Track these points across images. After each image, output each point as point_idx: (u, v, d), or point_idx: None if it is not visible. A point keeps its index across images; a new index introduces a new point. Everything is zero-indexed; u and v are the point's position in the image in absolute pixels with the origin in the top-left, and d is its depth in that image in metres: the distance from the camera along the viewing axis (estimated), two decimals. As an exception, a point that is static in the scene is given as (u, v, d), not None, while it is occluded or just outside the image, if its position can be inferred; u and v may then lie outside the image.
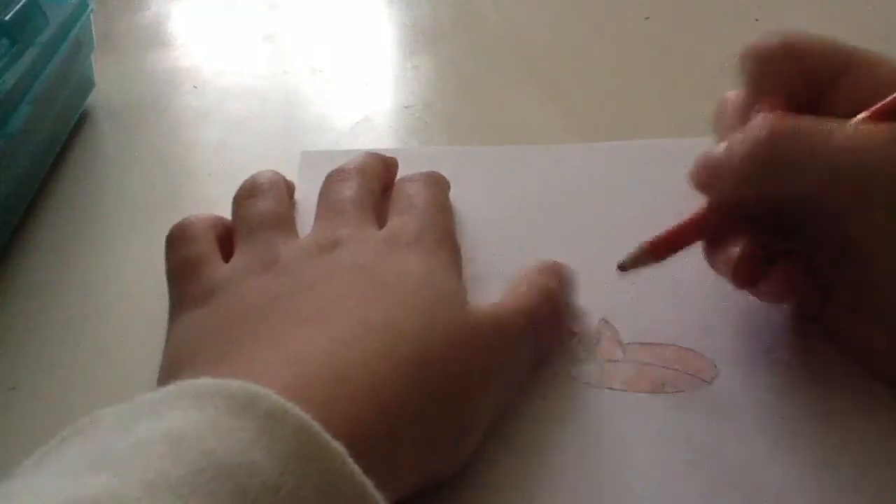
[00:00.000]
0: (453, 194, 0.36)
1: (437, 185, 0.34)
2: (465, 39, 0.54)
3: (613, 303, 0.32)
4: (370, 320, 0.24)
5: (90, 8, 0.44)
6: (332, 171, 0.34)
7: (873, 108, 0.27)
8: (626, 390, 0.28)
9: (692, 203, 0.30)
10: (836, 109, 0.28)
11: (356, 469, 0.18)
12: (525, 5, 0.58)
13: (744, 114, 0.30)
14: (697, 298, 0.32)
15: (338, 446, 0.18)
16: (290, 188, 0.35)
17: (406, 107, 0.46)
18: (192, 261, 0.29)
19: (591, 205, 0.37)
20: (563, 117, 0.44)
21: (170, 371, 0.25)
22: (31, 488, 0.17)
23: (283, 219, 0.31)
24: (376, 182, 0.33)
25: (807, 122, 0.27)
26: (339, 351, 0.23)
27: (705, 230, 0.30)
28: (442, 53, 0.52)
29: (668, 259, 0.30)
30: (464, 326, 0.25)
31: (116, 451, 0.18)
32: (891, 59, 0.29)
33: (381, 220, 0.31)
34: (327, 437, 0.18)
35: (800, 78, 0.29)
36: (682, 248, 0.30)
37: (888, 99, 0.27)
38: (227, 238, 0.31)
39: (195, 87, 0.49)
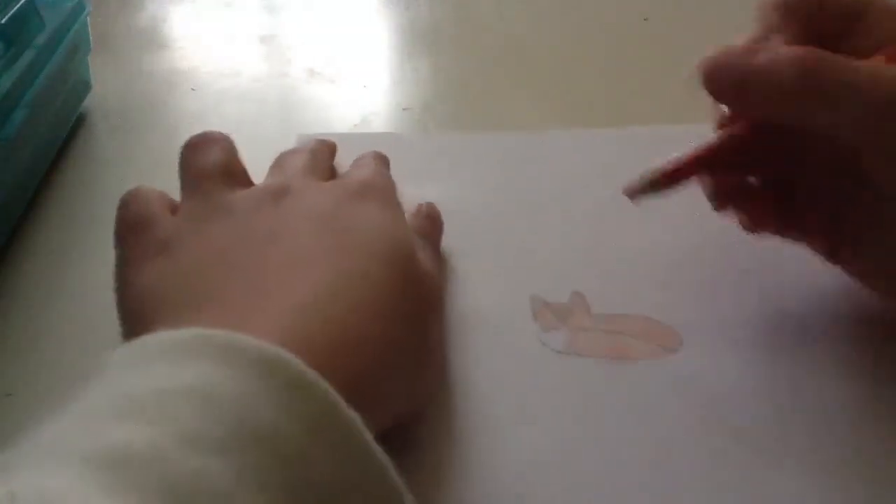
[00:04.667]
0: (444, 181, 0.38)
1: (381, 158, 0.35)
2: (463, 41, 0.54)
3: (587, 277, 0.33)
4: (349, 271, 0.25)
5: (87, 10, 0.44)
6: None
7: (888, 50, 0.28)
8: (592, 357, 0.30)
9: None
10: (854, 52, 0.28)
11: (369, 436, 0.19)
12: (524, 7, 0.58)
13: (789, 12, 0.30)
14: (667, 272, 0.33)
15: (353, 415, 0.19)
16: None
17: (405, 108, 0.46)
18: (143, 217, 0.28)
19: (572, 188, 0.38)
20: (562, 118, 0.44)
21: (138, 320, 0.25)
22: (60, 438, 0.17)
23: (233, 169, 0.30)
24: (324, 160, 0.34)
25: (838, 56, 0.27)
26: (328, 302, 0.24)
27: (716, 160, 0.30)
28: (441, 55, 0.52)
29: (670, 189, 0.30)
30: (422, 278, 0.27)
31: (140, 397, 0.18)
32: None
33: None
34: (345, 406, 0.19)
35: (814, 23, 0.30)
36: (690, 176, 0.30)
37: None
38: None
39: (193, 89, 0.48)
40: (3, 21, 0.36)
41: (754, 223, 0.31)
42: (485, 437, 0.27)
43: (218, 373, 0.18)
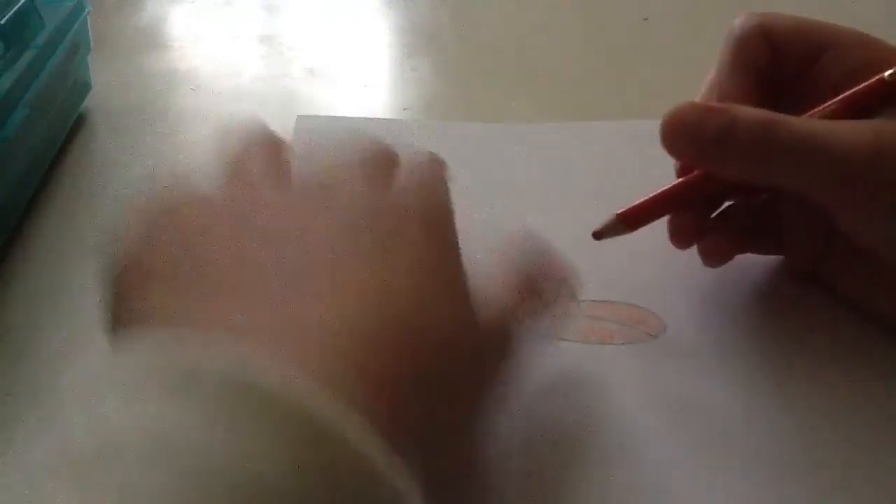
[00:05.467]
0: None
1: (441, 164, 0.29)
2: (463, 41, 0.54)
3: (575, 264, 0.33)
4: (370, 290, 0.21)
5: (87, 10, 0.44)
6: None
7: (829, 105, 0.29)
8: (576, 342, 0.30)
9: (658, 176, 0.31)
10: (813, 90, 0.30)
11: (371, 449, 0.16)
12: (524, 7, 0.58)
13: (711, 92, 0.32)
14: (653, 261, 0.34)
15: (354, 440, 0.16)
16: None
17: (405, 108, 0.46)
18: (177, 205, 0.24)
19: (564, 178, 0.39)
20: (562, 118, 0.44)
21: (131, 296, 0.21)
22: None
23: (279, 160, 0.26)
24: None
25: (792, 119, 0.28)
26: (343, 323, 0.20)
27: (680, 203, 0.31)
28: (441, 55, 0.52)
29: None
30: (465, 327, 0.22)
31: (80, 449, 0.15)
32: (870, 40, 0.30)
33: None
34: (340, 428, 0.16)
35: (773, 60, 0.31)
36: (653, 219, 0.31)
37: (849, 93, 0.29)
38: None
39: (193, 89, 0.48)
40: (3, 21, 0.36)
41: (715, 257, 0.32)
42: None
43: (172, 410, 0.16)
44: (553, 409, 0.28)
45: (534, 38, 0.54)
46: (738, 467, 0.26)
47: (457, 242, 0.26)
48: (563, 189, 0.38)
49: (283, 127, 0.43)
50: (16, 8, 0.37)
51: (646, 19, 0.55)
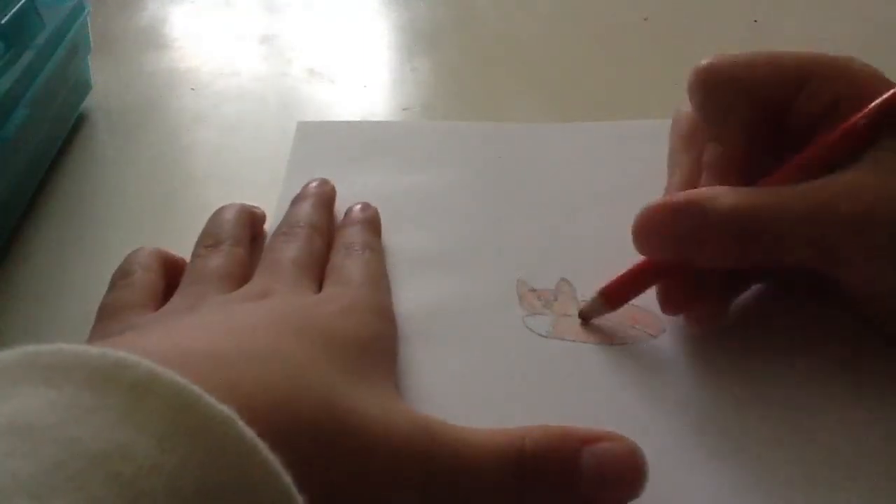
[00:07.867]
0: (440, 167, 0.39)
1: (374, 251, 0.33)
2: (463, 41, 0.54)
3: (574, 265, 0.34)
4: (274, 347, 0.23)
5: (87, 10, 0.44)
6: (281, 224, 0.33)
7: (792, 164, 0.28)
8: (575, 341, 0.30)
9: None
10: (799, 125, 0.29)
11: (247, 432, 0.17)
12: (524, 7, 0.58)
13: (693, 139, 0.31)
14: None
15: (224, 410, 0.16)
16: (259, 221, 0.35)
17: (404, 109, 0.46)
18: (120, 305, 0.29)
19: (564, 178, 0.39)
20: (562, 118, 0.44)
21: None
22: None
23: (229, 275, 0.30)
24: (322, 240, 0.33)
25: (758, 196, 0.27)
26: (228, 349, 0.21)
27: (659, 275, 0.30)
28: (440, 55, 0.52)
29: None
30: (363, 426, 0.21)
31: None
32: (847, 67, 0.29)
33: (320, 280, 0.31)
34: (210, 401, 0.16)
35: (750, 107, 0.30)
36: (636, 295, 0.30)
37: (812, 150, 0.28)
38: (173, 271, 0.31)
39: (193, 89, 0.48)
40: (3, 21, 0.36)
41: (705, 321, 0.30)
42: (468, 420, 0.27)
43: (43, 397, 0.16)
44: (551, 411, 0.28)
45: (533, 38, 0.54)
46: (737, 467, 0.26)
47: (391, 329, 0.29)
48: (563, 189, 0.38)
49: (281, 128, 0.43)
50: (16, 8, 0.37)
51: (646, 19, 0.55)
